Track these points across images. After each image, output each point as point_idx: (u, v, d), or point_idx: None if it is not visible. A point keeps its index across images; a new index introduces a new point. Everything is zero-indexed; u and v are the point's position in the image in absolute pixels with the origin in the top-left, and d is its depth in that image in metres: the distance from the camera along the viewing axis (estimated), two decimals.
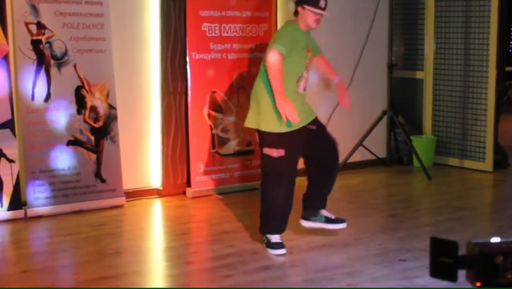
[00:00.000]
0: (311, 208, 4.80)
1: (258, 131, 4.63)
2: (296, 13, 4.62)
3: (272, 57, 4.38)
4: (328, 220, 4.80)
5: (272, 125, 4.51)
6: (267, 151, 4.54)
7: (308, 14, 4.53)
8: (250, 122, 4.68)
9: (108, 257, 4.58)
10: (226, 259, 4.52)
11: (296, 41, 4.52)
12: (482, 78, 7.16)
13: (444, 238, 1.52)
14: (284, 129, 4.48)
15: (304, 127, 4.58)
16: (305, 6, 4.53)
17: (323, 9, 4.55)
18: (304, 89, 4.68)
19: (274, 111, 4.47)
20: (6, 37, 5.27)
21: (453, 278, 1.52)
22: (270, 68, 4.40)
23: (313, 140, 4.66)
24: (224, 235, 5.06)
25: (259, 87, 4.59)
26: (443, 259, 1.51)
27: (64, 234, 5.04)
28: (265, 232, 4.63)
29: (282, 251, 4.56)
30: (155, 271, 4.52)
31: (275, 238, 4.59)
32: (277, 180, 4.55)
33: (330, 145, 4.75)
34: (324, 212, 4.81)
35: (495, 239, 1.53)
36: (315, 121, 4.71)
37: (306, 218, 4.82)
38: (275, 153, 4.51)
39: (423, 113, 7.69)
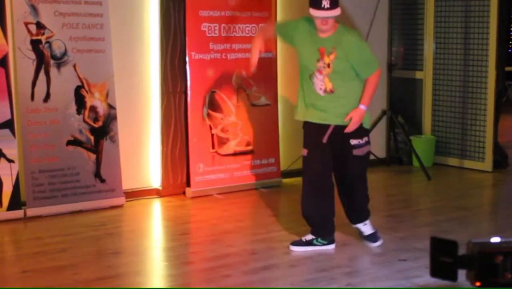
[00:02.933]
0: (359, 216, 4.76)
1: None
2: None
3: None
4: (360, 235, 4.75)
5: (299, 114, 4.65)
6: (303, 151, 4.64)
7: (313, 16, 4.34)
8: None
9: (107, 257, 4.58)
10: (225, 259, 4.52)
11: (300, 33, 4.49)
12: (481, 78, 7.16)
13: (444, 237, 1.52)
14: (297, 116, 4.65)
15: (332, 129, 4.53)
16: (310, 10, 4.32)
17: (328, 9, 4.26)
18: (324, 91, 4.47)
19: (301, 102, 4.61)
20: (6, 37, 5.27)
21: (453, 277, 1.52)
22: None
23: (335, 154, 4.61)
24: (224, 235, 5.06)
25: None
26: (443, 258, 1.51)
27: (63, 234, 5.03)
28: (314, 235, 4.69)
29: (296, 248, 4.66)
30: (155, 271, 4.52)
31: (307, 236, 4.68)
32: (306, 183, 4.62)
33: (349, 159, 4.60)
34: (359, 226, 4.74)
35: (495, 239, 1.53)
36: (344, 139, 4.57)
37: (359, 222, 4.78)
38: (303, 151, 4.63)
39: (423, 113, 7.69)
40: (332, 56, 4.42)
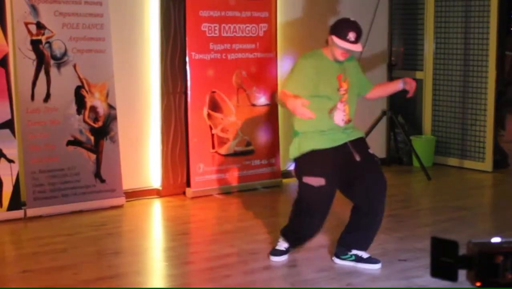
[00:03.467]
0: (342, 245, 4.43)
1: (298, 162, 4.32)
2: (326, 41, 4.26)
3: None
4: (358, 259, 4.37)
5: (312, 144, 4.24)
6: (307, 180, 4.22)
7: (335, 46, 4.16)
8: (291, 153, 4.37)
9: (107, 257, 4.58)
10: (225, 259, 4.52)
11: (321, 72, 4.20)
12: (481, 78, 7.17)
13: (444, 237, 1.52)
14: (324, 145, 4.21)
15: (348, 153, 4.26)
16: (333, 37, 4.14)
17: (353, 42, 4.12)
18: (346, 122, 4.28)
19: (314, 134, 4.25)
20: (6, 37, 5.27)
21: (453, 278, 1.51)
22: (280, 101, 4.25)
23: (354, 174, 4.25)
24: (224, 235, 5.06)
25: (296, 125, 4.33)
26: (444, 259, 1.51)
27: (63, 234, 5.04)
28: (283, 236, 4.50)
29: (278, 259, 4.46)
30: (155, 271, 4.52)
31: (282, 245, 4.49)
32: (312, 208, 4.30)
33: (375, 182, 4.25)
34: (355, 251, 4.40)
35: (496, 239, 1.53)
36: (363, 150, 4.32)
37: (337, 256, 4.45)
38: (315, 182, 4.19)
39: (423, 114, 7.69)
40: (347, 81, 4.31)
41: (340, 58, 4.22)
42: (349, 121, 4.31)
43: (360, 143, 4.35)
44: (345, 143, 4.27)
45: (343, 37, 4.12)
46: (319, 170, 4.20)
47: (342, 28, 4.16)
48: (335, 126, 4.25)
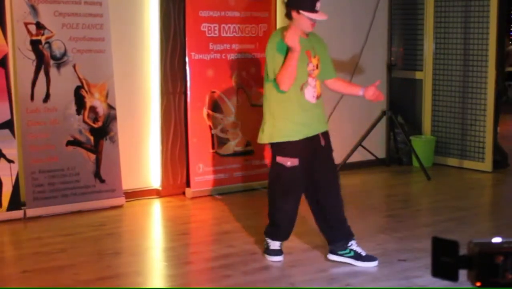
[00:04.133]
0: (333, 242, 4.45)
1: (271, 144, 4.38)
2: (289, 16, 4.23)
3: (278, 87, 4.19)
4: (357, 256, 4.39)
5: (286, 134, 4.29)
6: (280, 160, 4.30)
7: (303, 20, 4.17)
8: (264, 138, 4.40)
9: (107, 257, 4.58)
10: (225, 259, 4.52)
11: (284, 49, 4.16)
12: (481, 78, 7.17)
13: (445, 237, 1.52)
14: (297, 137, 4.27)
15: (317, 138, 4.35)
16: (301, 12, 4.15)
17: (318, 11, 4.19)
18: (316, 98, 4.35)
19: (286, 122, 4.29)
20: (6, 38, 5.27)
21: (454, 278, 1.52)
22: (280, 85, 4.20)
23: (314, 160, 4.36)
24: (224, 235, 5.06)
25: (267, 107, 4.35)
26: (444, 258, 1.51)
27: (63, 234, 5.03)
28: (267, 236, 4.54)
29: (278, 258, 4.47)
30: (155, 271, 4.52)
31: (274, 244, 4.50)
32: (286, 190, 4.36)
33: (329, 167, 4.43)
34: (353, 246, 4.41)
35: (496, 239, 1.53)
36: (325, 137, 4.42)
37: (333, 252, 4.46)
38: (289, 162, 4.28)
39: (423, 114, 7.69)
40: (316, 57, 4.36)
41: (310, 29, 4.24)
42: (319, 96, 4.37)
43: (327, 136, 4.45)
44: (317, 135, 4.35)
45: (312, 9, 4.15)
46: (293, 152, 4.28)
47: (307, 0, 4.17)
48: (306, 103, 4.29)
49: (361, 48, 7.29)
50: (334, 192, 4.45)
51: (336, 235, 4.44)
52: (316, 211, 4.47)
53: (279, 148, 4.34)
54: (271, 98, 4.33)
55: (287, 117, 4.28)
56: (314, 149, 4.35)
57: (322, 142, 4.38)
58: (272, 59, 4.25)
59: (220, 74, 6.22)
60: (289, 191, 4.37)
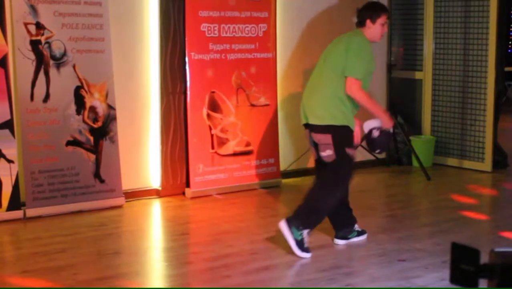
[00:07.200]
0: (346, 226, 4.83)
1: (338, 129, 4.51)
2: (363, 25, 4.58)
3: (357, 91, 4.46)
4: (359, 233, 4.88)
5: (352, 124, 4.57)
6: (349, 151, 4.54)
7: (378, 28, 4.58)
8: (338, 120, 4.53)
9: (107, 257, 4.58)
10: (225, 259, 4.52)
11: (370, 54, 4.57)
12: (481, 78, 7.17)
13: (465, 244, 1.51)
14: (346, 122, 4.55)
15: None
16: (378, 20, 4.54)
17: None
18: None
19: (352, 114, 4.58)
20: (5, 38, 5.27)
21: (473, 286, 1.50)
22: (360, 100, 4.50)
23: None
24: (224, 235, 5.06)
25: (332, 93, 4.53)
26: (464, 266, 1.49)
27: (63, 234, 5.03)
28: (305, 226, 4.46)
29: (309, 255, 4.48)
30: (155, 271, 4.52)
31: (307, 239, 4.49)
32: (347, 179, 4.65)
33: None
34: (356, 226, 4.88)
35: None
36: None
37: (344, 238, 4.82)
38: (352, 152, 4.58)
39: (422, 114, 7.69)
40: None
41: (380, 40, 4.68)
42: None
43: None
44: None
45: (386, 12, 4.61)
46: (352, 143, 4.60)
47: (380, 10, 4.60)
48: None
49: None
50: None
51: (346, 221, 4.81)
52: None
53: (348, 139, 4.53)
54: (340, 86, 4.49)
55: (352, 111, 4.57)
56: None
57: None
58: (361, 58, 4.49)
59: (219, 74, 6.22)
60: (349, 180, 4.65)
